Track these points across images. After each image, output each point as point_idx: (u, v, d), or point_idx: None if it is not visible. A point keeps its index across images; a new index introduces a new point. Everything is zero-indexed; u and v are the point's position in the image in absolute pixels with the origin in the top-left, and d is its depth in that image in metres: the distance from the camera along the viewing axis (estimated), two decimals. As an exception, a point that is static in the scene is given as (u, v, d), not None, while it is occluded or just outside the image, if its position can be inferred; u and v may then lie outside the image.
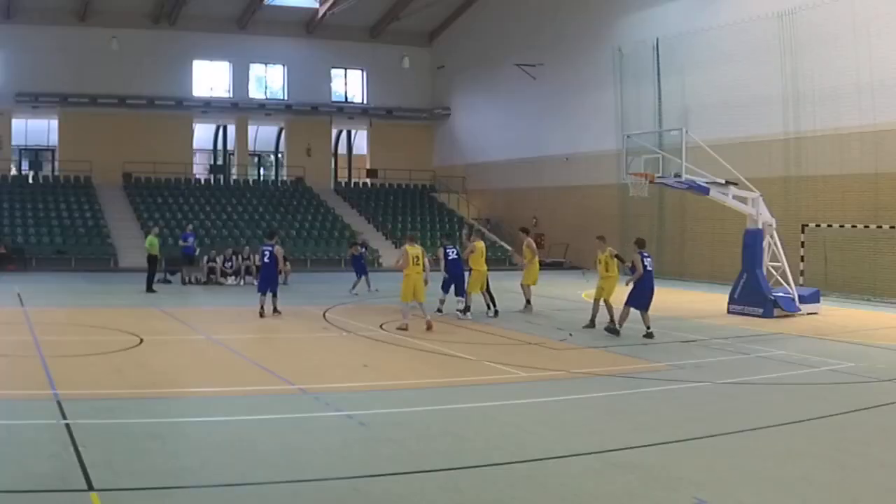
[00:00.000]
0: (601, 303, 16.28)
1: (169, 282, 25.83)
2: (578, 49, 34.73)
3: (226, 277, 26.35)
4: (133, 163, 38.40)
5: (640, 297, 15.16)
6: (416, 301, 15.74)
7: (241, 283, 26.22)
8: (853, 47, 23.58)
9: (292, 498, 6.55)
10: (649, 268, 15.33)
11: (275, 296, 17.72)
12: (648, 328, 15.08)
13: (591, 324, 16.22)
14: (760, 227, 19.54)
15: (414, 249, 15.79)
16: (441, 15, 42.44)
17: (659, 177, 19.76)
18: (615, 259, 16.40)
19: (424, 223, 39.48)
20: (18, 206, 34.27)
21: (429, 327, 15.44)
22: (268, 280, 17.66)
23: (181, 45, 39.58)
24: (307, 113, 42.70)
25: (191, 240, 26.52)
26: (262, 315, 17.37)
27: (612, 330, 15.45)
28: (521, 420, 8.97)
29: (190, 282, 25.89)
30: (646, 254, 15.45)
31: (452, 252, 18.24)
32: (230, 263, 26.57)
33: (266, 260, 17.73)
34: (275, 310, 17.71)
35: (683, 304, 21.30)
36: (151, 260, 23.37)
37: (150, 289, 22.68)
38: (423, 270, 15.82)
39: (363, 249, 25.77)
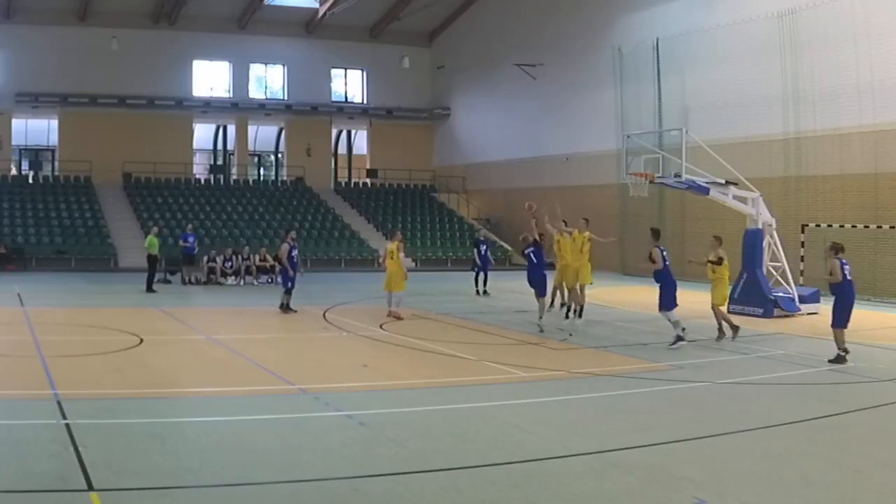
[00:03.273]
0: (718, 309, 15.07)
1: (169, 282, 25.84)
2: (578, 49, 34.73)
3: (226, 277, 26.36)
4: (133, 163, 38.41)
5: (842, 313, 13.01)
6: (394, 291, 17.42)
7: (241, 283, 26.24)
8: (853, 47, 23.58)
9: (292, 498, 6.55)
10: (849, 276, 13.11)
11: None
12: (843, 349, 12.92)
13: (721, 333, 14.87)
14: (760, 227, 19.55)
15: (391, 245, 17.85)
16: (441, 15, 42.44)
17: (659, 177, 19.77)
18: (711, 262, 15.26)
19: (424, 223, 39.48)
20: (18, 206, 34.28)
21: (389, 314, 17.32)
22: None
23: (181, 45, 39.59)
24: (307, 113, 42.71)
25: (191, 240, 26.53)
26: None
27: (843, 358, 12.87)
28: (521, 420, 8.96)
29: (190, 282, 25.89)
30: (845, 261, 13.19)
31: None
32: (230, 263, 26.57)
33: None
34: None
35: (683, 304, 21.11)
36: (151, 260, 23.39)
37: (150, 289, 22.69)
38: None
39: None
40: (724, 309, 15.24)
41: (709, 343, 14.72)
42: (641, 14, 31.96)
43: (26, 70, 37.06)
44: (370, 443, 8.05)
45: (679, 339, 14.09)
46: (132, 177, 38.60)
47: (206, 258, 26.67)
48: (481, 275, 23.73)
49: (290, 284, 18.31)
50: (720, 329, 14.81)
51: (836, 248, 13.29)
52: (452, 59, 43.38)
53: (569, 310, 17.35)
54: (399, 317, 17.22)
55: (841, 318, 12.89)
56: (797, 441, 8.41)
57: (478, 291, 23.47)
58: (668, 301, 14.42)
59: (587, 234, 17.73)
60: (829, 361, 12.69)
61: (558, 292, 18.43)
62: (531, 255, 16.06)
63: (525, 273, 16.42)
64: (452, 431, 8.56)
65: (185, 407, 9.65)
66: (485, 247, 24.33)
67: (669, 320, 14.39)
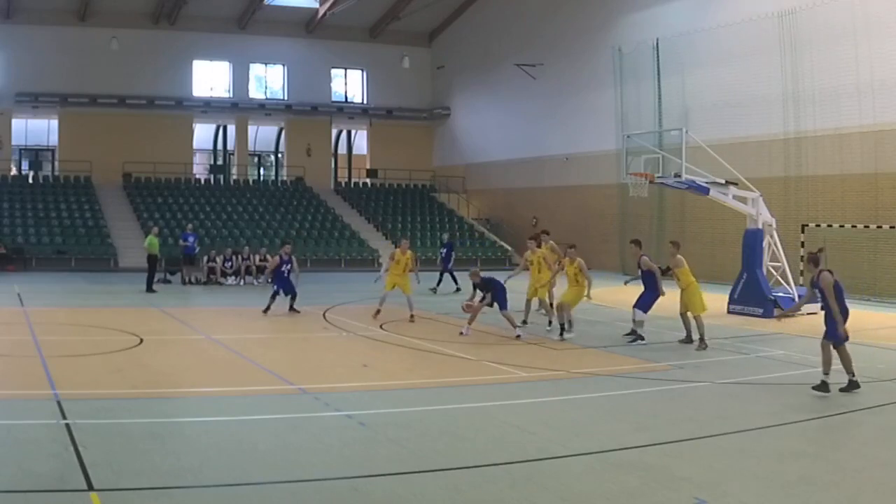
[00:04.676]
0: (689, 316, 14.29)
1: (169, 282, 25.85)
2: (578, 49, 34.73)
3: (226, 277, 26.35)
4: (133, 163, 38.41)
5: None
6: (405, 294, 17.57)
7: (241, 283, 26.23)
8: (853, 47, 23.57)
9: (292, 498, 6.55)
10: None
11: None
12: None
13: (688, 339, 14.40)
14: (760, 227, 19.55)
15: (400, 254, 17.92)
16: (441, 15, 42.44)
17: (659, 177, 19.77)
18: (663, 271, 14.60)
19: (424, 223, 39.48)
20: (18, 206, 34.27)
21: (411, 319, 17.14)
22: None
23: (181, 45, 39.59)
24: (307, 113, 42.71)
25: (191, 239, 26.52)
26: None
27: None
28: (521, 420, 8.96)
29: (190, 282, 25.88)
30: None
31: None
32: (230, 263, 26.57)
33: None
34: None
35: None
36: (151, 260, 23.38)
37: (150, 289, 22.69)
38: (405, 270, 17.63)
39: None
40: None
41: (709, 343, 14.62)
42: (641, 14, 31.97)
43: (26, 70, 37.05)
44: (370, 443, 8.05)
45: (639, 338, 14.45)
46: (132, 177, 38.59)
47: (206, 258, 26.67)
48: (446, 275, 24.42)
49: (276, 289, 18.34)
50: (701, 337, 14.10)
51: (815, 260, 10.97)
52: (452, 59, 43.38)
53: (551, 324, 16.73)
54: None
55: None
56: (797, 441, 8.41)
57: (434, 289, 23.74)
58: (645, 303, 14.64)
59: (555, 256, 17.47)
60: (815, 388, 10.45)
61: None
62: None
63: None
64: (452, 431, 8.56)
65: (185, 407, 9.64)
66: (445, 249, 25.25)
67: (635, 318, 14.63)
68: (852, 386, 10.46)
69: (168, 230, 33.15)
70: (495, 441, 8.19)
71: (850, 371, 10.51)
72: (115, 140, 38.34)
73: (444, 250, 25.30)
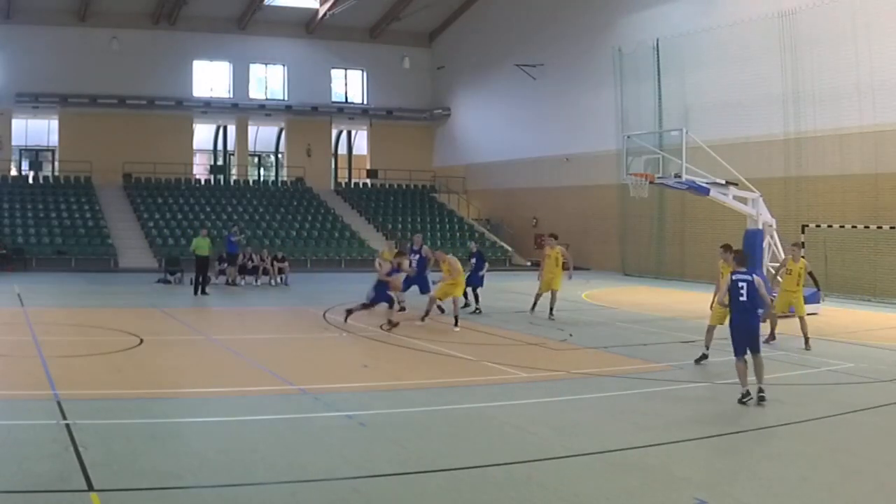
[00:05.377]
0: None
1: (168, 282, 25.81)
2: (578, 49, 34.74)
3: (243, 277, 26.11)
4: (133, 163, 38.42)
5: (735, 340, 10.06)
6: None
7: (242, 283, 26.15)
8: (853, 47, 23.60)
9: (292, 498, 6.54)
10: (742, 297, 9.90)
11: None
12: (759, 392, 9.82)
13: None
14: (760, 227, 19.55)
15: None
16: (441, 15, 42.47)
17: (659, 177, 19.78)
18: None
19: (424, 224, 39.47)
20: (18, 206, 34.29)
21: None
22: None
23: (181, 45, 39.60)
24: (307, 113, 42.72)
25: (234, 239, 26.27)
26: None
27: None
28: (521, 420, 8.96)
29: (233, 283, 25.45)
30: (743, 274, 10.09)
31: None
32: (250, 262, 26.37)
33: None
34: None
35: (683, 304, 21.30)
36: (200, 262, 22.65)
37: (201, 291, 22.25)
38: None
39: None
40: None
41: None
42: (641, 14, 31.98)
43: (26, 70, 37.06)
44: (370, 443, 8.05)
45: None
46: (132, 177, 38.60)
47: (218, 259, 26.26)
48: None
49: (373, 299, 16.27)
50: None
51: (740, 260, 10.40)
52: (452, 60, 43.39)
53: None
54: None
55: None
56: (797, 441, 8.41)
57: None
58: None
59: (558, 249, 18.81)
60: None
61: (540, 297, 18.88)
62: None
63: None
64: (452, 432, 8.56)
65: (185, 407, 9.63)
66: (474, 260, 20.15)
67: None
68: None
69: (168, 231, 33.16)
70: (495, 441, 8.18)
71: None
72: (115, 140, 38.34)
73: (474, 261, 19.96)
